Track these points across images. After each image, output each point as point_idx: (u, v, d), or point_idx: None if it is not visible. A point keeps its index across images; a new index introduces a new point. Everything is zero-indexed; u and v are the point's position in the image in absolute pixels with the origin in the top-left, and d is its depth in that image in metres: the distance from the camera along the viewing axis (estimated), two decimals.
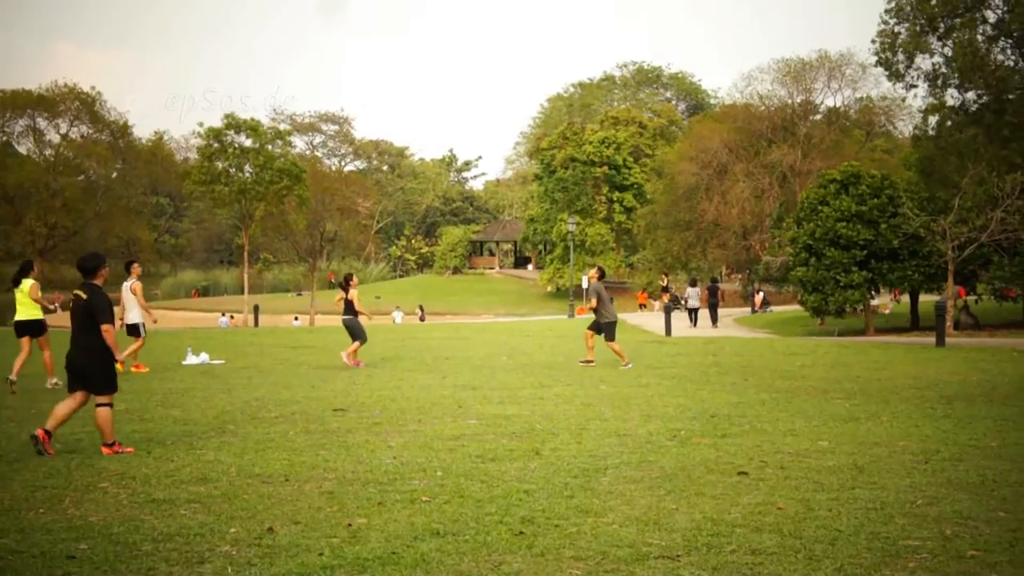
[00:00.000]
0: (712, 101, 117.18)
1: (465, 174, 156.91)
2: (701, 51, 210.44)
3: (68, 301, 10.98)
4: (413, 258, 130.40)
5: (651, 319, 45.95)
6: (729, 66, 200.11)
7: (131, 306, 20.56)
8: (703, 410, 13.90)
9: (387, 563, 6.52)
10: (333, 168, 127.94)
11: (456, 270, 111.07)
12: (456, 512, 7.85)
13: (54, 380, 17.30)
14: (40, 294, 17.74)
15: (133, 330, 20.60)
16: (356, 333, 21.78)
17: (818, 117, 75.46)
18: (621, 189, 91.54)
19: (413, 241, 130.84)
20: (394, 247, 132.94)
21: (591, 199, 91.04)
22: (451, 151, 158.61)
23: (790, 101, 74.16)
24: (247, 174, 70.25)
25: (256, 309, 55.76)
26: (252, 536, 7.18)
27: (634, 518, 7.64)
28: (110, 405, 10.72)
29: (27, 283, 17.42)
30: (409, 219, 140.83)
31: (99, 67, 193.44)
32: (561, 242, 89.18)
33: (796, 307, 49.06)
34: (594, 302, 21.72)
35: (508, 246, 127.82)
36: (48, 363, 17.63)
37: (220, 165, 70.15)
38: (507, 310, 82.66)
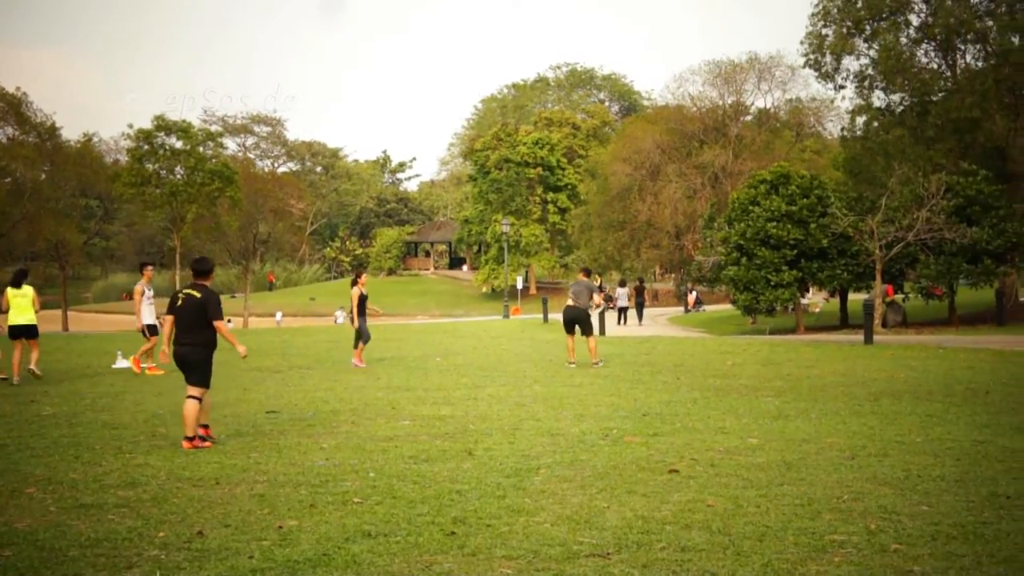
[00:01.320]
0: (645, 102, 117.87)
1: (399, 175, 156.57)
2: (633, 53, 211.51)
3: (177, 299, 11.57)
4: (347, 259, 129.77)
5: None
6: (661, 68, 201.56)
7: (137, 308, 21.06)
8: (635, 409, 13.97)
9: (318, 565, 6.49)
10: (266, 170, 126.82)
11: (391, 271, 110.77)
12: (388, 513, 7.83)
13: (24, 376, 19.16)
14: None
15: (151, 329, 21.03)
16: (361, 333, 21.78)
17: (749, 118, 76.15)
18: (555, 190, 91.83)
19: (347, 243, 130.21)
20: (328, 248, 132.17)
21: (525, 200, 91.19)
22: (385, 152, 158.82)
23: (721, 102, 74.78)
24: (178, 176, 69.53)
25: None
26: (181, 540, 7.11)
27: (565, 517, 7.67)
28: (199, 399, 11.41)
29: (29, 289, 19.16)
30: (343, 220, 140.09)
31: (26, 67, 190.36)
32: (496, 243, 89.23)
33: (728, 306, 49.53)
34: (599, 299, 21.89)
35: (443, 247, 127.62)
36: (34, 361, 19.25)
37: (151, 167, 69.35)
38: (442, 311, 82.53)
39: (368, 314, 22.26)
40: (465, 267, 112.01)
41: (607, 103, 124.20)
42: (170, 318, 11.71)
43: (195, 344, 11.50)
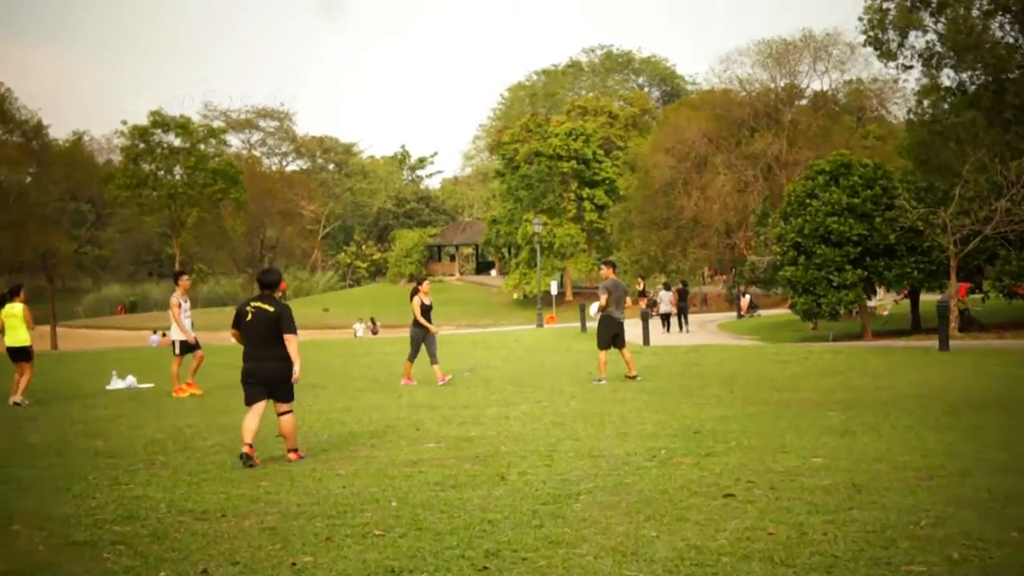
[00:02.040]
0: (688, 87, 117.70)
1: (419, 172, 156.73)
2: (675, 33, 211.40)
3: (246, 313, 12.13)
4: (364, 265, 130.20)
5: (626, 326, 46.03)
6: (706, 49, 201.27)
7: (174, 322, 21.15)
8: (685, 426, 13.88)
9: None
10: (273, 168, 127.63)
11: (412, 278, 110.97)
12: (412, 546, 7.77)
13: (19, 399, 19.03)
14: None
15: (185, 347, 21.12)
16: (417, 345, 21.77)
17: (804, 102, 75.89)
18: (591, 185, 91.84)
19: (364, 247, 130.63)
20: (343, 254, 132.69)
21: (559, 197, 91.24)
22: (403, 147, 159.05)
23: (773, 85, 74.58)
24: (177, 176, 69.96)
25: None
26: None
27: (610, 548, 7.59)
28: (292, 412, 12.26)
29: (18, 306, 19.39)
30: (359, 223, 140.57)
31: (12, 63, 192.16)
32: (527, 245, 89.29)
33: (785, 310, 49.31)
34: (603, 300, 21.34)
35: (469, 250, 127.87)
36: (24, 384, 19.41)
37: (147, 167, 69.84)
38: (469, 321, 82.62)
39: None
40: (493, 272, 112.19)
41: (647, 89, 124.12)
42: (236, 332, 12.34)
43: (275, 359, 12.11)
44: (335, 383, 22.34)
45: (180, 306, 20.95)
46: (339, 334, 68.83)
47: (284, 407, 12.22)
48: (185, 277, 21.67)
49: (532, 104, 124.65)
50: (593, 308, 21.83)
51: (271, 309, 12.15)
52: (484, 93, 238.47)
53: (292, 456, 12.06)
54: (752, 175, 70.91)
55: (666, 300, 46.47)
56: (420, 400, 18.17)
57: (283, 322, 12.12)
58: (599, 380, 20.80)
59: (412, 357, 21.81)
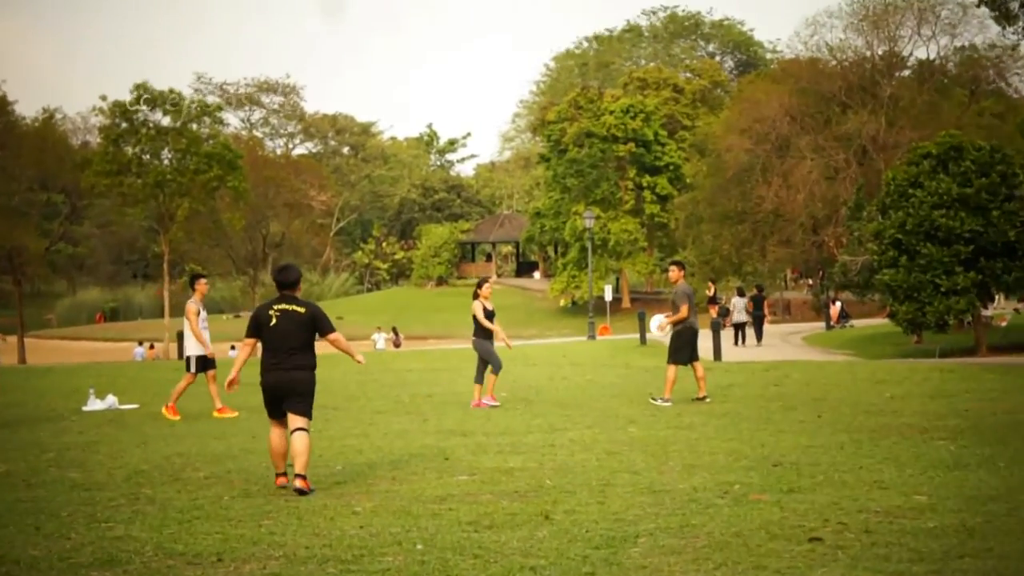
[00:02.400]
0: (768, 56, 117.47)
1: (450, 156, 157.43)
2: None
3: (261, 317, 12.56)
4: (385, 266, 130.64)
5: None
6: (789, 11, 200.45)
7: (190, 333, 21.36)
8: (763, 457, 13.85)
9: None
10: (278, 152, 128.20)
11: (441, 281, 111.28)
12: None
13: None
14: None
15: (203, 363, 21.35)
16: (489, 358, 21.76)
17: (906, 73, 75.53)
18: (652, 172, 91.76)
19: (384, 244, 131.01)
20: (359, 252, 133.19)
21: (614, 185, 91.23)
22: (430, 127, 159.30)
23: (869, 53, 74.24)
24: (165, 161, 70.28)
25: (180, 336, 55.73)
26: None
27: None
28: (308, 432, 12.45)
29: None
30: (378, 216, 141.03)
31: None
32: (576, 242, 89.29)
33: (884, 321, 49.04)
34: (684, 310, 21.30)
35: (508, 249, 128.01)
36: None
37: (130, 150, 70.16)
38: (508, 332, 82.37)
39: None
40: (537, 274, 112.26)
41: (718, 57, 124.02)
42: (251, 342, 12.71)
43: (304, 367, 12.48)
44: (350, 405, 22.40)
45: (198, 314, 21.15)
46: (356, 346, 69.00)
47: (300, 422, 12.37)
48: (203, 281, 21.94)
49: (582, 76, 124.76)
50: (654, 323, 21.82)
51: (302, 310, 12.51)
52: (526, 63, 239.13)
53: (300, 483, 12.12)
54: (844, 160, 70.58)
55: (740, 308, 46.23)
56: (449, 425, 18.19)
57: (320, 323, 12.55)
58: (663, 401, 20.75)
59: (496, 369, 21.65)
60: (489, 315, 21.86)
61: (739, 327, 45.68)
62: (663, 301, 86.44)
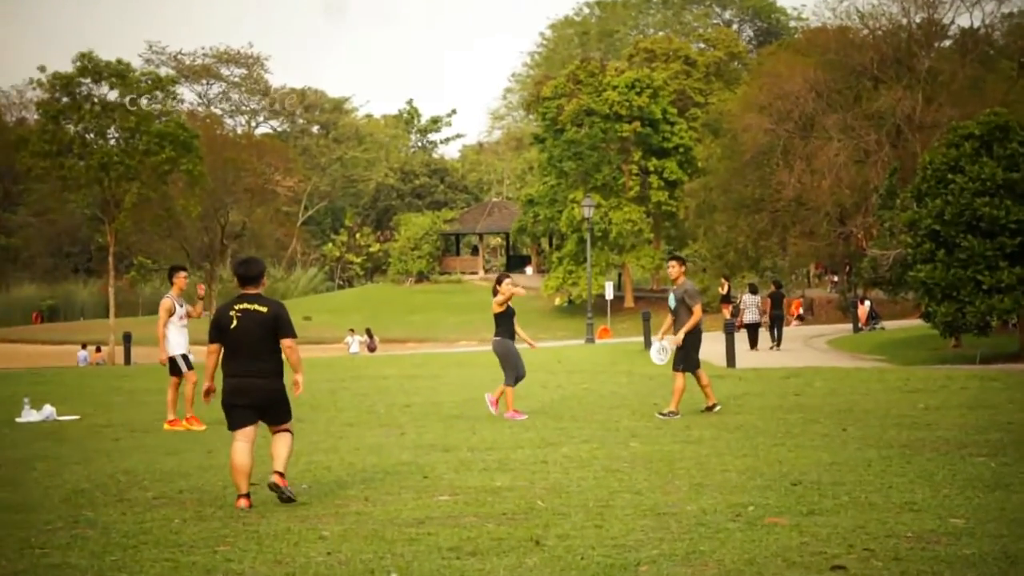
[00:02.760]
0: (791, 24, 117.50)
1: (432, 136, 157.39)
2: None
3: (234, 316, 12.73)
4: (358, 260, 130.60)
5: (705, 343, 46.02)
6: None
7: (164, 333, 21.46)
8: (781, 475, 13.88)
9: None
10: (239, 131, 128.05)
11: (421, 277, 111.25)
12: None
13: None
14: None
15: (173, 365, 21.54)
16: (504, 364, 21.81)
17: (947, 44, 75.56)
18: (660, 155, 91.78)
19: (358, 235, 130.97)
20: (330, 244, 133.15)
21: (616, 170, 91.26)
22: (411, 104, 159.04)
23: (905, 22, 74.25)
24: (112, 141, 70.17)
25: (127, 339, 55.64)
26: None
27: None
28: (291, 432, 13.04)
29: None
30: (352, 204, 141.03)
31: None
32: (574, 233, 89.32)
33: (918, 322, 49.11)
34: (698, 312, 21.29)
35: (497, 240, 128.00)
36: None
37: (72, 128, 70.06)
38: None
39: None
40: (530, 269, 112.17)
41: (735, 26, 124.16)
42: (215, 347, 12.80)
43: (271, 373, 12.74)
44: (318, 416, 22.41)
45: (174, 311, 21.24)
46: (325, 350, 69.04)
47: (285, 426, 12.95)
48: (183, 274, 21.89)
49: (583, 47, 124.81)
50: (656, 351, 21.81)
51: (264, 310, 12.69)
52: (519, 31, 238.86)
53: (277, 479, 12.53)
54: (875, 141, 70.60)
55: (752, 307, 46.16)
56: (429, 440, 18.21)
57: (281, 324, 12.71)
58: (670, 414, 20.77)
59: (510, 380, 21.66)
60: (511, 313, 22.02)
61: (752, 328, 45.62)
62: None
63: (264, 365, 12.63)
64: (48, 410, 23.37)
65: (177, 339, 21.37)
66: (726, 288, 55.52)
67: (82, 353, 65.76)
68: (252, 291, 12.85)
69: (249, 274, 12.89)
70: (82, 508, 12.78)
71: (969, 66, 71.84)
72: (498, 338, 21.88)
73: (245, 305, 12.67)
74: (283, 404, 12.88)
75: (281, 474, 12.64)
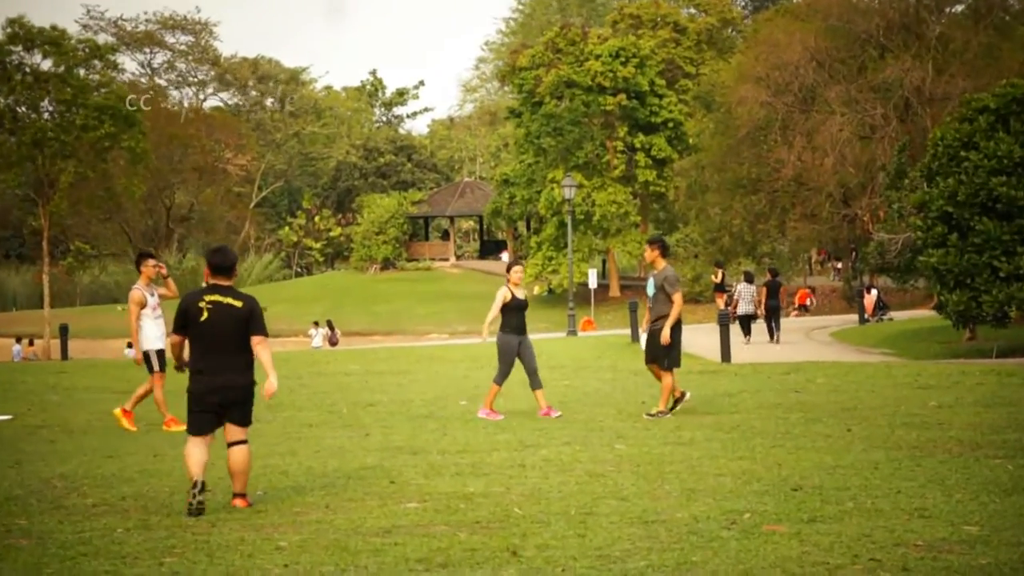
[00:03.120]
0: None
1: (398, 110, 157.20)
2: None
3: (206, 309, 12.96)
4: (318, 246, 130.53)
5: (696, 336, 46.05)
6: None
7: (137, 327, 21.05)
8: (780, 479, 13.93)
9: None
10: (186, 104, 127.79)
11: (387, 264, 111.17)
12: None
13: None
14: None
15: (161, 359, 21.12)
16: (499, 360, 21.90)
17: (959, 9, 75.67)
18: (647, 131, 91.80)
19: (317, 219, 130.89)
20: (286, 229, 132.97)
21: (600, 147, 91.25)
22: (374, 74, 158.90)
23: None
24: (46, 115, 69.95)
25: (64, 331, 55.59)
26: None
27: None
28: (248, 442, 13.16)
29: None
30: (310, 184, 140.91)
31: None
32: (554, 216, 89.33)
33: (929, 312, 49.27)
34: (679, 301, 21.28)
35: (469, 224, 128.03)
36: None
37: (1, 101, 69.81)
38: (468, 326, 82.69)
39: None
40: (505, 255, 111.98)
41: None
42: (179, 338, 13.33)
43: (242, 370, 13.01)
44: (275, 415, 22.43)
45: (146, 302, 20.87)
46: (283, 344, 69.03)
47: (240, 433, 13.02)
48: (151, 262, 21.39)
49: (562, 12, 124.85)
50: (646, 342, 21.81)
51: (239, 304, 12.98)
52: None
53: (239, 502, 12.78)
54: (882, 115, 70.68)
55: (746, 296, 46.15)
56: (397, 442, 18.22)
57: (255, 320, 13.03)
58: (659, 414, 20.80)
59: (499, 378, 21.72)
60: (519, 306, 21.84)
61: (745, 320, 45.61)
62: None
63: (235, 361, 12.94)
64: None
65: (154, 332, 20.92)
66: (719, 276, 55.55)
67: (17, 347, 65.67)
68: (224, 282, 13.11)
69: (224, 264, 13.16)
70: (15, 516, 12.76)
71: (983, 33, 71.89)
72: (500, 332, 21.75)
73: (217, 297, 12.93)
74: (249, 404, 13.12)
75: (243, 495, 12.92)
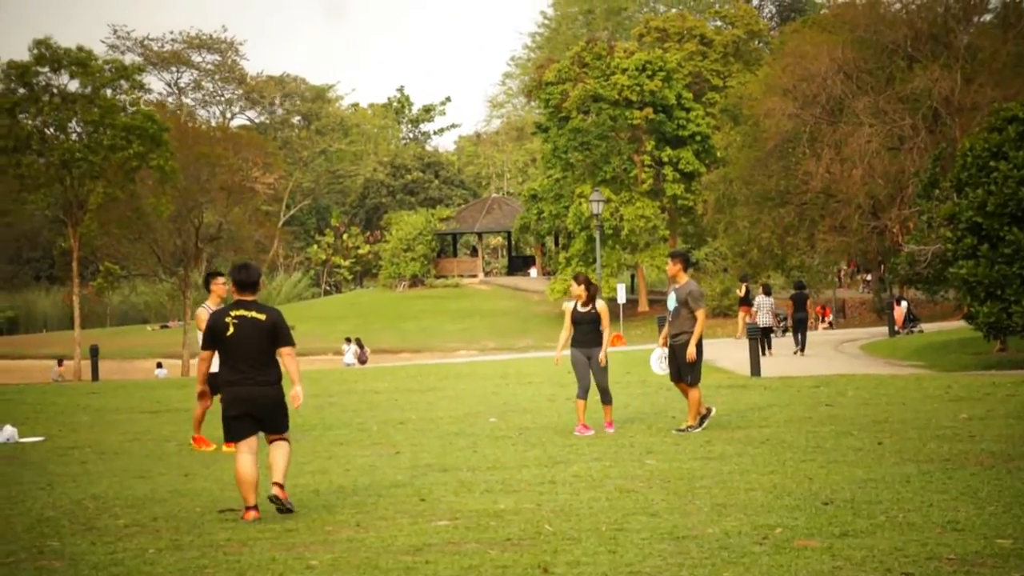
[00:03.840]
0: (818, 0, 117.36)
1: (425, 127, 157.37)
2: None
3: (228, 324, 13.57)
4: (346, 263, 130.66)
5: (725, 350, 45.98)
6: None
7: None
8: (811, 494, 13.90)
9: None
10: (213, 123, 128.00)
11: (415, 281, 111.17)
12: None
13: None
14: None
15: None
16: (578, 375, 21.78)
17: (988, 18, 75.46)
18: (675, 144, 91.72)
19: (345, 236, 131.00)
20: (315, 247, 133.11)
21: (627, 161, 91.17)
22: (401, 91, 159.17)
23: None
24: (74, 136, 70.05)
25: (95, 352, 55.77)
26: None
27: None
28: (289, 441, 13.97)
29: None
30: (338, 202, 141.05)
31: None
32: (582, 231, 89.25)
33: (960, 324, 49.12)
34: (702, 317, 21.25)
35: (498, 240, 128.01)
36: None
37: (30, 123, 69.96)
38: (498, 342, 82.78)
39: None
40: (534, 271, 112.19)
41: (755, 1, 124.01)
42: (208, 354, 14.27)
43: (272, 382, 13.64)
44: (305, 435, 22.45)
45: None
46: (313, 362, 69.08)
47: (282, 435, 13.84)
48: (220, 280, 21.36)
49: (588, 26, 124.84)
50: (657, 360, 21.64)
51: (262, 317, 13.61)
52: (518, 10, 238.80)
53: (277, 491, 13.38)
54: (910, 126, 70.47)
55: (766, 309, 46.15)
56: (427, 459, 18.23)
57: (280, 332, 13.66)
58: (690, 428, 20.77)
59: (580, 392, 21.52)
60: (581, 319, 21.79)
61: (765, 333, 45.52)
62: None
63: (264, 373, 13.53)
64: (9, 431, 23.37)
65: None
66: (743, 290, 55.52)
67: (58, 369, 65.95)
68: (248, 297, 13.74)
69: (248, 280, 13.80)
70: (47, 538, 12.80)
71: (1012, 42, 71.67)
72: (572, 348, 21.75)
73: (242, 312, 13.55)
74: (282, 412, 13.75)
75: (281, 485, 13.41)
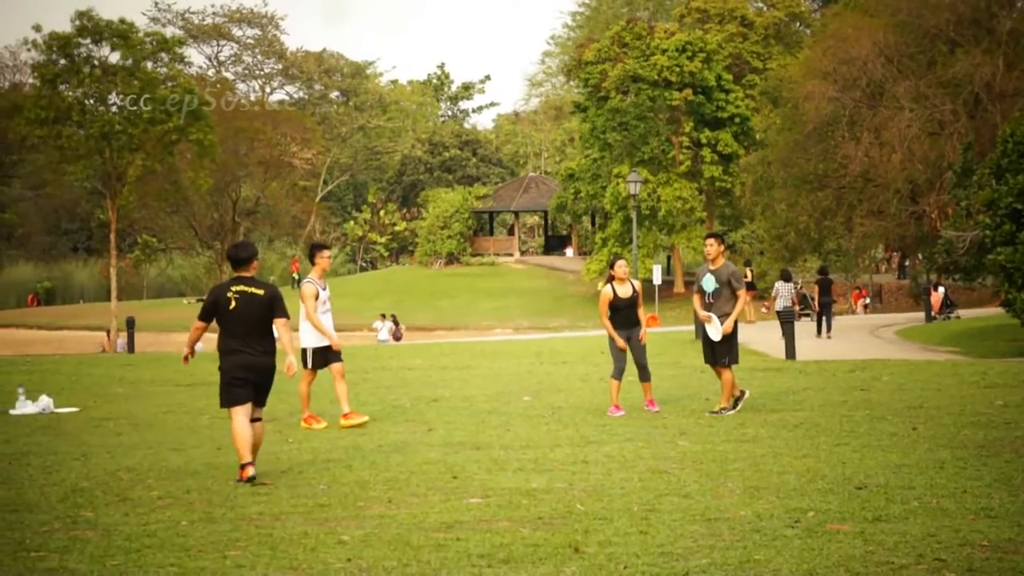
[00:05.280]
0: None
1: (464, 104, 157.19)
2: None
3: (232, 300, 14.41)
4: (382, 240, 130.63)
5: (759, 333, 45.91)
6: None
7: (306, 321, 20.47)
8: (844, 478, 13.86)
9: None
10: (252, 98, 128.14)
11: (451, 259, 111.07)
12: None
13: None
14: None
15: (323, 356, 20.61)
16: (612, 354, 21.84)
17: None
18: (714, 126, 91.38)
19: (382, 213, 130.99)
20: (351, 223, 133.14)
21: (665, 142, 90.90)
22: (441, 68, 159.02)
23: None
24: (114, 108, 70.13)
25: (131, 324, 55.96)
26: None
27: None
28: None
29: None
30: (375, 178, 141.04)
31: None
32: (619, 212, 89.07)
33: (997, 310, 48.94)
34: (744, 297, 21.28)
35: (534, 219, 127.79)
36: None
37: (70, 94, 70.05)
38: (533, 321, 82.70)
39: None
40: (569, 251, 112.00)
41: None
42: (203, 325, 14.89)
43: (269, 353, 14.71)
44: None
45: (317, 296, 20.35)
46: (348, 338, 68.97)
47: (259, 412, 14.84)
48: (326, 253, 21.29)
49: (628, 6, 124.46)
50: (713, 330, 21.40)
51: (261, 292, 14.66)
52: None
53: (253, 471, 14.26)
54: (951, 111, 70.16)
55: (785, 295, 46.08)
56: (459, 437, 18.23)
57: (277, 305, 14.69)
58: (723, 410, 20.72)
59: (616, 373, 21.53)
60: (622, 304, 21.73)
61: (785, 316, 45.52)
62: None
63: (262, 344, 14.64)
64: (45, 401, 23.45)
65: (315, 327, 20.28)
66: (750, 277, 55.56)
67: (120, 341, 66.27)
68: (246, 274, 14.78)
69: (240, 256, 14.90)
70: (81, 508, 12.84)
71: None
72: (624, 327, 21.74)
73: (242, 287, 14.59)
74: (271, 384, 14.91)
75: (252, 464, 14.35)
